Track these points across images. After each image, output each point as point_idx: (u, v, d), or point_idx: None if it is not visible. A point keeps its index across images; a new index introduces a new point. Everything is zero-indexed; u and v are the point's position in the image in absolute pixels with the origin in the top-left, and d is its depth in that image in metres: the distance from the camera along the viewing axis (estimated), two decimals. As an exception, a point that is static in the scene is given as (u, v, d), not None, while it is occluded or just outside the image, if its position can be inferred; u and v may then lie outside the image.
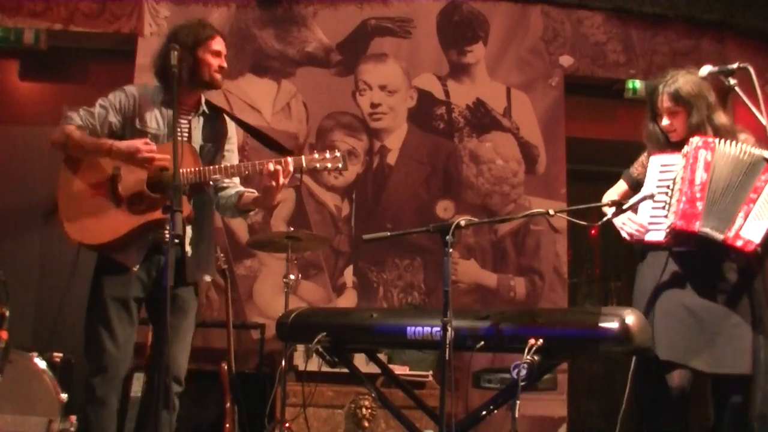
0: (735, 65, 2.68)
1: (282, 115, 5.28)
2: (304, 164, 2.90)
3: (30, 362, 3.35)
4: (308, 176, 5.20)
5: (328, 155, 2.92)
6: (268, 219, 5.14)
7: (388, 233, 2.98)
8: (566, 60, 5.58)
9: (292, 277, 3.91)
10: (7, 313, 3.20)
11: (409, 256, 5.22)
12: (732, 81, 2.68)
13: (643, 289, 2.87)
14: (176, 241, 2.84)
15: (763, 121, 2.54)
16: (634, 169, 3.09)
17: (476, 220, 2.83)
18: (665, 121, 2.87)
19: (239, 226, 5.09)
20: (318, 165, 2.92)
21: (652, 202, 2.82)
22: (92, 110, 2.93)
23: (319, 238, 4.48)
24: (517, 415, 2.37)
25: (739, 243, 2.64)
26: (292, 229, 4.11)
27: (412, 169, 5.36)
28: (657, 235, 2.79)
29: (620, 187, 3.14)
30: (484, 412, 2.75)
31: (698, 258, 2.76)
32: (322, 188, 5.24)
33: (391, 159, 5.35)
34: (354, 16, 5.44)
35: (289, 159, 2.87)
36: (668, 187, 2.79)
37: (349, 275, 5.18)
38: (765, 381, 2.68)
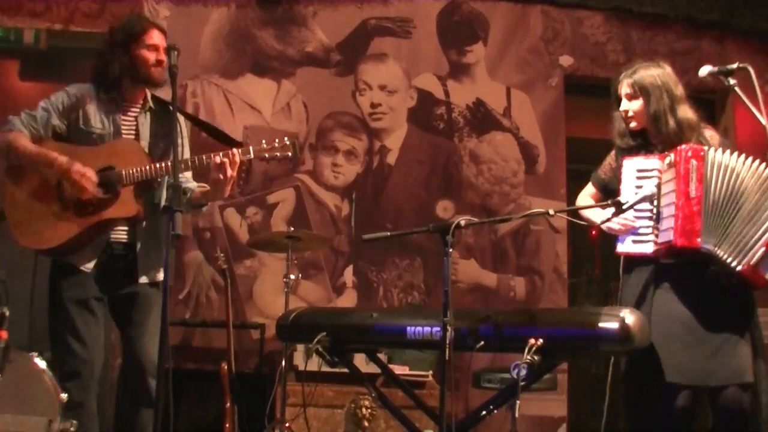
0: (735, 65, 2.67)
1: (282, 115, 5.28)
2: (252, 154, 2.89)
3: (30, 362, 3.34)
4: (308, 176, 5.22)
5: (276, 143, 2.91)
6: (268, 219, 5.14)
7: (388, 233, 2.98)
8: (566, 60, 5.58)
9: (292, 277, 3.92)
10: (7, 313, 3.19)
11: (409, 256, 5.22)
12: (732, 81, 2.66)
13: (632, 302, 2.81)
14: (125, 241, 2.88)
15: (763, 121, 2.53)
16: (602, 172, 3.05)
17: (476, 220, 2.84)
18: (624, 105, 2.86)
19: (239, 226, 5.09)
20: (267, 154, 2.91)
21: (634, 211, 2.77)
22: (34, 114, 2.89)
23: (319, 238, 4.48)
24: (517, 415, 2.37)
25: (757, 280, 2.62)
26: (292, 229, 4.11)
27: (412, 169, 5.36)
28: (645, 248, 2.75)
29: (589, 189, 3.11)
30: (484, 412, 2.75)
31: (686, 269, 2.73)
32: (322, 188, 5.24)
33: (391, 159, 5.35)
34: (354, 16, 5.43)
35: (236, 150, 2.85)
36: (657, 186, 2.76)
37: (349, 275, 5.18)
38: (767, 385, 2.68)
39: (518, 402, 2.39)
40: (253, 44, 5.31)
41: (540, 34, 5.58)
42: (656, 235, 2.73)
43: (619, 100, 2.91)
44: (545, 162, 5.45)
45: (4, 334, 3.19)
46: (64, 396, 3.26)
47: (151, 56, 2.91)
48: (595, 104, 5.76)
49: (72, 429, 2.99)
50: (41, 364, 3.38)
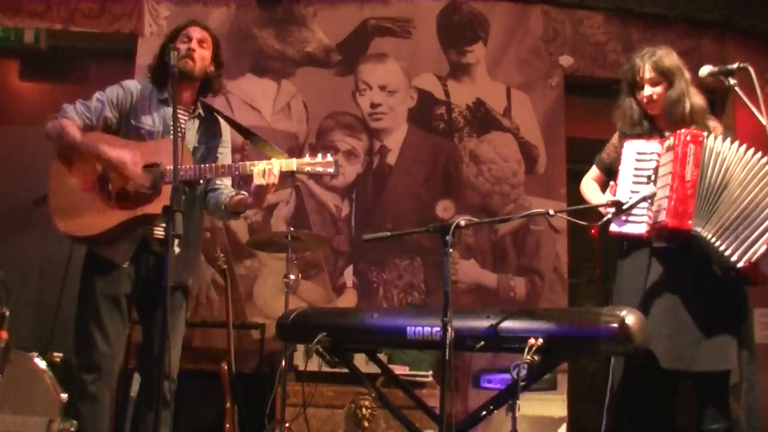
0: (735, 65, 2.67)
1: (282, 115, 5.28)
2: (295, 167, 2.89)
3: (30, 362, 3.35)
4: (308, 176, 5.20)
5: (320, 158, 2.91)
6: (268, 219, 5.14)
7: (388, 233, 2.98)
8: (566, 60, 5.58)
9: (292, 277, 3.91)
10: (7, 313, 3.20)
11: (409, 256, 5.22)
12: (732, 81, 2.67)
13: (627, 287, 2.86)
14: (162, 238, 2.86)
15: (763, 121, 2.53)
16: (605, 154, 3.08)
17: (476, 220, 2.83)
18: (647, 91, 2.86)
19: (239, 226, 5.09)
20: (309, 168, 2.91)
21: (632, 185, 2.79)
22: (89, 104, 2.93)
23: (319, 238, 4.48)
24: (517, 415, 2.37)
25: (756, 276, 2.63)
26: (292, 229, 4.11)
27: (412, 169, 5.36)
28: (638, 228, 2.77)
29: (593, 173, 3.14)
30: (484, 412, 2.75)
31: (680, 255, 2.75)
32: (322, 188, 5.24)
33: (391, 159, 5.35)
34: (354, 16, 5.44)
35: (281, 161, 2.86)
36: (648, 177, 2.78)
37: (349, 275, 5.18)
38: (748, 372, 2.69)
39: (518, 402, 2.39)
40: (253, 44, 5.31)
41: (540, 34, 5.58)
42: (650, 217, 2.73)
43: (633, 86, 2.91)
44: (545, 162, 5.45)
45: (4, 334, 3.19)
46: (64, 396, 3.26)
47: (182, 46, 2.95)
48: (595, 104, 5.79)
49: (72, 429, 2.99)
50: (41, 364, 3.38)
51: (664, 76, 2.84)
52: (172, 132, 2.93)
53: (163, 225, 2.88)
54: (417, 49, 5.48)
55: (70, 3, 5.15)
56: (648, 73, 2.86)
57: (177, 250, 2.90)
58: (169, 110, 2.94)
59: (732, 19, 5.57)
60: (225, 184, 3.10)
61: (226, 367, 4.12)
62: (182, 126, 2.98)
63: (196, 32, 3.01)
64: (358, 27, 5.44)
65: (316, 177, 5.09)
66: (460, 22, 5.55)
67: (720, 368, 2.68)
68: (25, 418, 3.14)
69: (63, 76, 5.39)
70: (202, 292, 4.98)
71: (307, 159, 2.91)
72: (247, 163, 2.89)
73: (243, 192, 3.07)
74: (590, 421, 5.48)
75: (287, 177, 5.14)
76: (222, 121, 3.13)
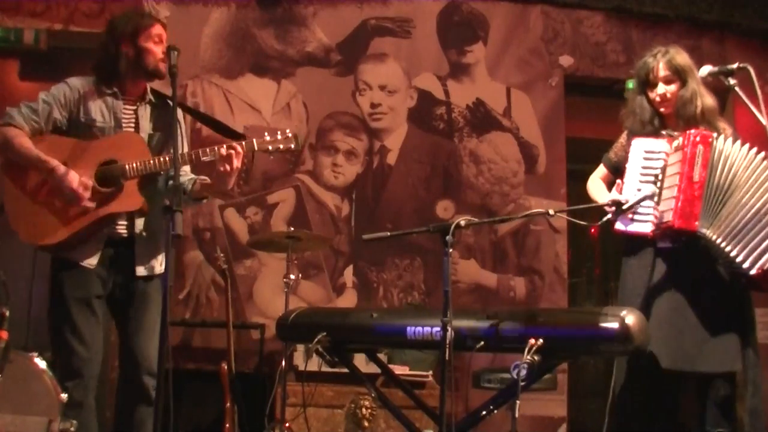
0: (735, 65, 2.67)
1: (282, 115, 5.28)
2: (255, 146, 2.88)
3: (30, 362, 3.34)
4: (308, 176, 5.22)
5: (279, 136, 2.90)
6: (268, 219, 5.14)
7: (388, 233, 2.98)
8: (566, 60, 5.58)
9: (292, 277, 3.91)
10: (7, 313, 3.19)
11: (409, 256, 5.22)
12: (732, 81, 2.66)
13: (631, 286, 2.86)
14: (125, 235, 2.85)
15: (763, 121, 2.53)
16: (613, 153, 3.07)
17: (476, 220, 2.83)
18: (661, 89, 2.85)
19: (239, 226, 5.09)
20: (270, 147, 2.90)
21: (639, 184, 2.78)
22: (35, 106, 2.86)
23: (319, 238, 4.48)
24: (517, 415, 2.37)
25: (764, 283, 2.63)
26: (292, 229, 4.11)
27: (412, 169, 5.36)
28: (644, 227, 2.76)
29: (600, 171, 3.13)
30: (484, 412, 2.75)
31: (685, 255, 2.75)
32: (322, 188, 5.24)
33: (391, 159, 5.35)
34: (354, 16, 5.43)
35: (240, 142, 2.85)
36: (656, 176, 2.77)
37: (349, 275, 5.18)
38: (754, 375, 2.69)
39: (518, 402, 2.39)
40: (253, 44, 5.31)
41: (540, 34, 5.58)
42: (656, 216, 2.73)
43: (645, 85, 2.90)
44: (545, 162, 5.45)
45: (4, 334, 3.19)
46: (64, 396, 3.26)
47: (158, 49, 2.91)
48: (595, 104, 5.80)
49: (72, 429, 2.99)
50: (41, 364, 3.38)
51: (678, 74, 2.83)
52: (124, 125, 2.91)
53: (125, 222, 2.88)
54: (417, 49, 5.48)
55: (70, 3, 5.15)
56: (662, 71, 2.84)
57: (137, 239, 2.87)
58: (119, 103, 2.91)
59: (732, 19, 5.57)
60: (185, 171, 3.05)
61: (226, 367, 4.12)
62: (129, 115, 2.94)
63: (162, 32, 2.95)
64: (358, 27, 5.44)
65: (323, 174, 5.14)
66: (459, 22, 5.55)
67: (726, 369, 2.67)
68: (25, 418, 3.13)
69: (63, 76, 5.35)
70: (202, 292, 4.98)
71: (266, 137, 2.91)
72: (207, 148, 2.86)
73: (204, 177, 3.04)
74: (590, 421, 5.50)
75: (288, 177, 5.19)
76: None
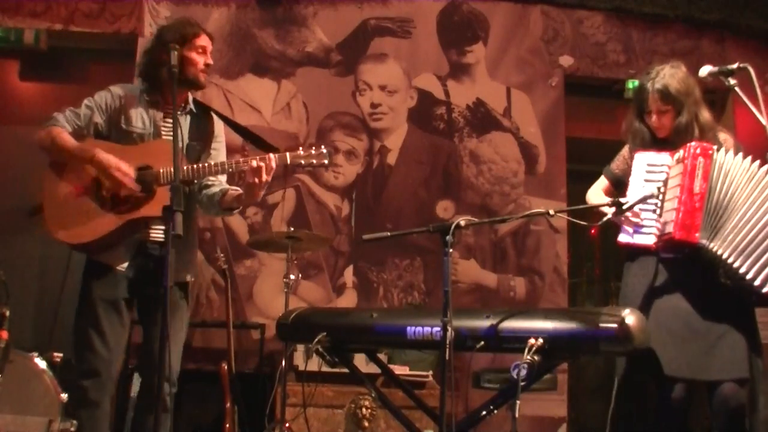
0: (735, 65, 2.66)
1: (282, 115, 5.28)
2: (288, 160, 2.89)
3: (30, 362, 3.35)
4: (308, 176, 5.21)
5: (313, 151, 2.91)
6: (268, 219, 5.14)
7: (388, 233, 2.98)
8: (566, 60, 5.59)
9: (292, 277, 3.92)
10: (8, 313, 3.19)
11: (409, 256, 5.22)
12: (732, 81, 2.66)
13: (632, 293, 2.85)
14: (161, 241, 2.85)
15: (763, 121, 2.53)
16: (615, 166, 3.06)
17: (476, 220, 2.83)
18: (655, 120, 2.84)
19: (239, 226, 5.09)
20: (303, 161, 2.90)
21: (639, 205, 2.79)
22: (78, 111, 2.92)
23: (319, 238, 4.48)
24: (517, 415, 2.37)
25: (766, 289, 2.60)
26: (292, 229, 4.11)
27: (412, 169, 5.36)
28: (646, 239, 2.77)
29: (601, 183, 3.12)
30: (484, 412, 2.75)
31: (687, 265, 2.74)
32: (322, 188, 5.24)
33: (391, 159, 5.35)
34: (354, 16, 5.44)
35: (272, 155, 2.85)
36: (658, 189, 2.78)
37: (349, 275, 5.18)
38: (766, 384, 2.68)
39: (518, 402, 2.39)
40: (253, 44, 5.31)
41: (540, 34, 5.58)
42: (658, 228, 2.73)
43: (641, 111, 2.89)
44: (545, 162, 5.45)
45: (4, 334, 3.19)
46: (64, 396, 3.26)
47: (201, 59, 2.94)
48: (595, 104, 5.81)
49: (72, 429, 2.99)
50: (41, 364, 3.38)
51: (672, 103, 2.80)
52: (163, 133, 2.94)
53: (160, 227, 2.88)
54: (417, 49, 5.48)
55: (70, 3, 5.15)
56: (654, 103, 2.82)
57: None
58: (159, 113, 2.94)
59: (732, 19, 5.57)
60: (219, 180, 3.09)
61: (226, 367, 4.12)
62: (170, 124, 2.96)
63: (208, 43, 3.00)
64: (358, 27, 5.44)
65: (311, 170, 5.09)
66: (460, 22, 5.55)
67: (733, 377, 2.65)
68: (25, 418, 3.14)
69: (63, 76, 5.39)
70: (202, 292, 4.98)
71: (300, 152, 2.91)
72: (240, 159, 2.88)
73: (236, 188, 3.06)
74: (590, 421, 5.50)
75: (288, 177, 5.19)
76: (214, 116, 3.12)
